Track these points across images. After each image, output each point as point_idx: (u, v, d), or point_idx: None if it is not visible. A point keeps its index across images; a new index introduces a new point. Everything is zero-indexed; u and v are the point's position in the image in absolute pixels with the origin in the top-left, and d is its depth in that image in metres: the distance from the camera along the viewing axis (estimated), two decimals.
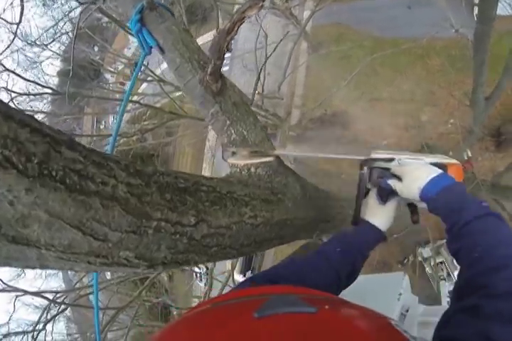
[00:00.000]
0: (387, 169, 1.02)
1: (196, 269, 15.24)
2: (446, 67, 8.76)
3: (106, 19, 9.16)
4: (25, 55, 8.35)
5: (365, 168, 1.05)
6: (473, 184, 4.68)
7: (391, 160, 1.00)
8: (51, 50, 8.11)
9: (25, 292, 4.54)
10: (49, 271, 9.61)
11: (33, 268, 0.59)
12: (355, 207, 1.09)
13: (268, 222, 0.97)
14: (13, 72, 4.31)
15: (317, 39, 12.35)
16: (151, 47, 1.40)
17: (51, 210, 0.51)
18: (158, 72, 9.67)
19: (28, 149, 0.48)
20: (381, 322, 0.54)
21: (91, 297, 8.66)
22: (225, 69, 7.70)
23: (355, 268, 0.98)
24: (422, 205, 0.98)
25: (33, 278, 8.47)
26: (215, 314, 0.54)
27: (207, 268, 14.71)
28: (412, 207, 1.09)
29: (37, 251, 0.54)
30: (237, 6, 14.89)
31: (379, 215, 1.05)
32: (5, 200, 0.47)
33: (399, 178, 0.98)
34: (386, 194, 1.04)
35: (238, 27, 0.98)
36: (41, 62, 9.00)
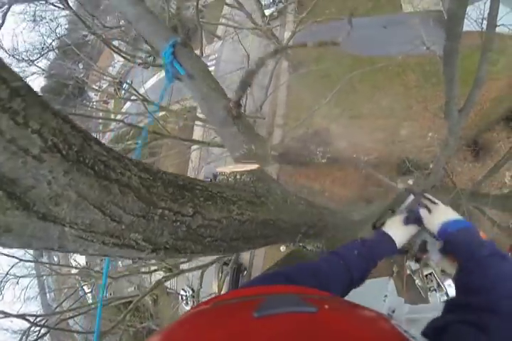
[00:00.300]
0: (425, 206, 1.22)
1: (182, 292, 14.87)
2: (421, 82, 9.16)
3: (92, 37, 9.25)
4: None
5: (412, 195, 1.28)
6: (452, 193, 4.82)
7: (435, 203, 1.21)
8: (37, 66, 8.10)
9: (5, 314, 4.34)
10: (28, 294, 9.24)
11: (51, 248, 0.64)
12: (381, 213, 1.32)
13: (253, 220, 1.05)
14: None
15: (297, 58, 12.72)
16: (173, 78, 1.69)
17: (81, 191, 0.60)
18: (141, 91, 9.73)
19: (69, 140, 0.58)
20: (381, 322, 0.54)
21: (71, 322, 8.32)
22: None
23: (365, 274, 1.06)
24: (432, 241, 1.19)
25: (12, 302, 8.10)
26: (215, 314, 0.55)
27: (193, 291, 14.36)
28: (423, 245, 1.23)
29: (60, 229, 0.60)
30: (220, 27, 15.22)
31: (400, 233, 1.18)
32: (44, 180, 0.55)
33: (429, 211, 1.17)
34: (412, 219, 1.20)
35: (259, 69, 1.25)
36: (26, 77, 8.96)
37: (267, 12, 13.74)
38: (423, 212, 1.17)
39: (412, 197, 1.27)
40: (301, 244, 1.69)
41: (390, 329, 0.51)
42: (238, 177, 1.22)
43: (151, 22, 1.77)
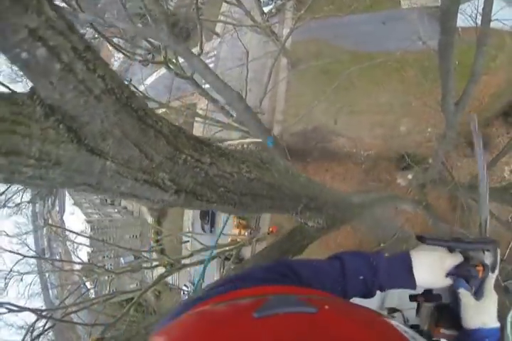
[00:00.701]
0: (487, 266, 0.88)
1: (184, 287, 14.97)
2: (420, 78, 9.20)
3: (91, 34, 9.29)
4: (12, 69, 8.38)
5: (480, 246, 0.90)
6: (450, 185, 4.91)
7: (494, 267, 0.89)
8: None
9: (14, 306, 4.43)
10: (31, 291, 9.35)
11: (89, 184, 0.74)
12: (439, 237, 0.88)
13: (260, 179, 1.18)
14: (2, 84, 4.44)
15: (296, 55, 12.74)
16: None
17: (125, 130, 0.73)
18: (141, 88, 9.79)
19: (122, 88, 0.71)
20: (381, 323, 0.55)
21: (74, 318, 8.40)
22: (207, 86, 7.90)
23: (364, 297, 0.92)
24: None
25: (16, 298, 8.21)
26: (216, 314, 0.55)
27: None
28: (436, 298, 0.93)
29: (103, 163, 0.71)
30: (218, 24, 15.19)
31: (431, 280, 0.89)
32: (98, 118, 0.66)
33: (479, 296, 0.86)
34: (456, 274, 0.87)
35: None
36: None
37: (266, 9, 13.77)
38: (464, 292, 0.85)
39: (481, 245, 0.89)
40: (302, 220, 1.77)
41: (390, 330, 0.52)
42: (245, 146, 1.35)
43: (254, 118, 2.69)
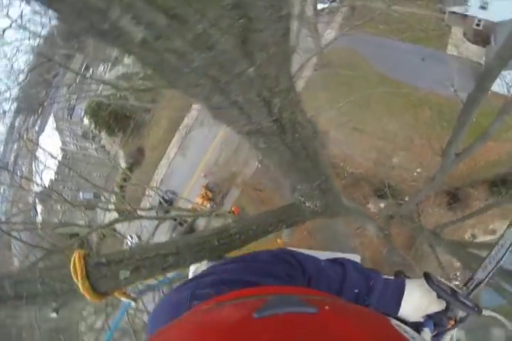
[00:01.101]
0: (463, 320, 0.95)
1: (128, 237, 14.95)
2: (433, 121, 9.44)
3: None
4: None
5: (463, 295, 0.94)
6: (414, 224, 5.17)
7: (461, 323, 0.96)
8: None
9: None
10: None
11: (217, 82, 0.72)
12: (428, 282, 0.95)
13: (313, 142, 1.26)
14: None
15: (328, 58, 12.71)
16: None
17: (277, 55, 0.74)
18: None
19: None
20: (381, 323, 0.55)
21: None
22: None
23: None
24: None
25: None
26: (216, 314, 0.55)
27: (139, 239, 14.41)
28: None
29: (247, 67, 0.71)
30: None
31: (411, 311, 0.96)
32: (271, 34, 0.67)
33: (438, 338, 0.94)
34: (430, 317, 0.96)
35: None
36: None
37: (320, 6, 13.57)
38: (427, 334, 0.92)
39: (467, 310, 0.92)
40: (303, 199, 1.81)
41: (390, 330, 0.53)
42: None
43: None
